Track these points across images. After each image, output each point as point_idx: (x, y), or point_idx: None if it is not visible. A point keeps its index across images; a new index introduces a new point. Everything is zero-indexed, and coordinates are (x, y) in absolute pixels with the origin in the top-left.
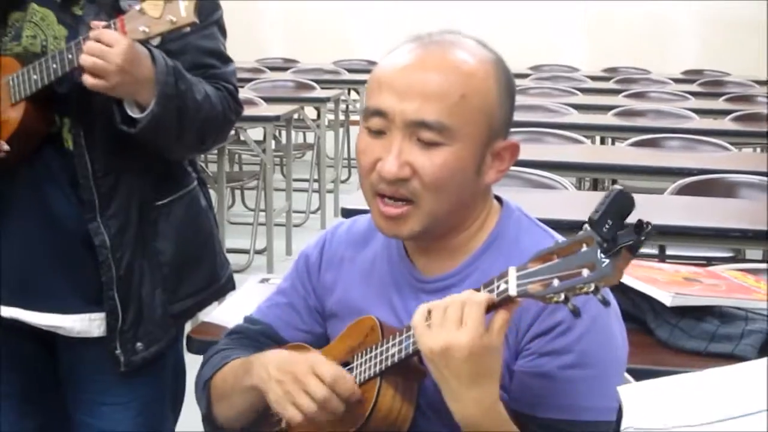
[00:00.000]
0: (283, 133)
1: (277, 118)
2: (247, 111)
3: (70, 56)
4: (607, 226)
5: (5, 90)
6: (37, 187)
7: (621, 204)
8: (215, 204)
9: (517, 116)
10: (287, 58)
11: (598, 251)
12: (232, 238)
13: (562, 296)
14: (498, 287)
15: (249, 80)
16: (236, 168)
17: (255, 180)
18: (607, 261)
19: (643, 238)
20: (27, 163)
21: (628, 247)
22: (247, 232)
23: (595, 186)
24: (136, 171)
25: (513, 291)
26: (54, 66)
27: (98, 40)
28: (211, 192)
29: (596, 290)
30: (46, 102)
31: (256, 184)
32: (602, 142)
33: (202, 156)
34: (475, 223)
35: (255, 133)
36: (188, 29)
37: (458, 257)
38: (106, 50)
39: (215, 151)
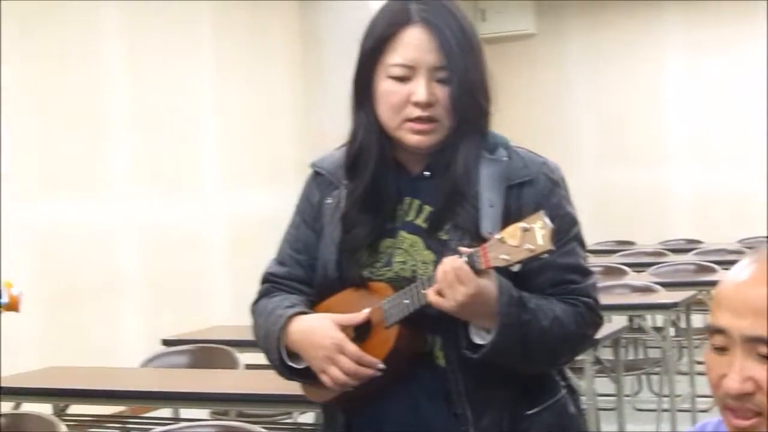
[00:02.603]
0: (682, 316)
1: (674, 305)
2: (645, 298)
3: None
4: None
5: (379, 313)
6: (413, 402)
7: None
8: (615, 391)
9: None
10: (691, 239)
11: None
12: (637, 424)
13: None
14: None
15: (649, 265)
16: (640, 353)
17: (658, 366)
18: None
19: None
20: (402, 381)
21: None
22: (653, 418)
23: None
24: (506, 384)
25: None
26: (423, 291)
27: (456, 274)
28: (607, 381)
29: None
30: (417, 323)
31: (659, 369)
32: None
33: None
34: None
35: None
36: (546, 255)
37: None
38: (456, 286)
39: (608, 342)
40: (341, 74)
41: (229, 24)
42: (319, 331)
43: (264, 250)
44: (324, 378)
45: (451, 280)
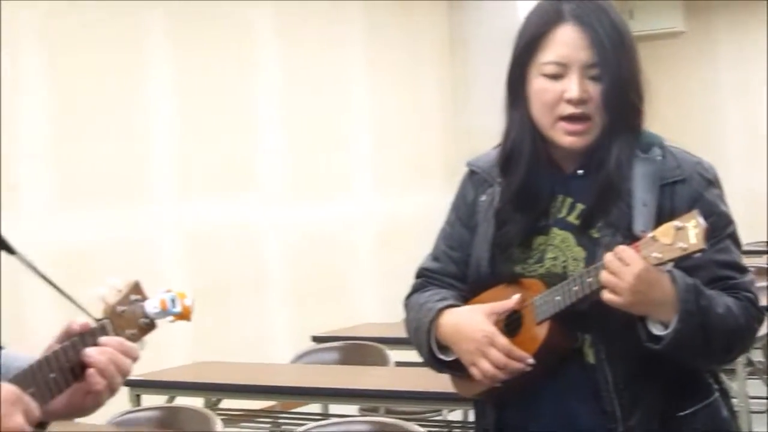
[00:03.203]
0: None
1: None
2: None
3: (589, 280)
4: None
5: (531, 309)
6: (561, 399)
7: None
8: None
9: None
10: None
11: None
12: None
13: None
14: None
15: None
16: None
17: None
18: None
19: None
20: (551, 377)
21: None
22: None
23: None
24: (656, 383)
25: None
26: (575, 288)
27: (619, 258)
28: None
29: None
30: (568, 319)
31: None
32: None
33: None
34: None
35: None
36: (699, 254)
37: None
38: (622, 269)
39: (759, 344)
40: (488, 73)
41: (380, 24)
42: (469, 323)
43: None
44: (474, 371)
45: (617, 264)
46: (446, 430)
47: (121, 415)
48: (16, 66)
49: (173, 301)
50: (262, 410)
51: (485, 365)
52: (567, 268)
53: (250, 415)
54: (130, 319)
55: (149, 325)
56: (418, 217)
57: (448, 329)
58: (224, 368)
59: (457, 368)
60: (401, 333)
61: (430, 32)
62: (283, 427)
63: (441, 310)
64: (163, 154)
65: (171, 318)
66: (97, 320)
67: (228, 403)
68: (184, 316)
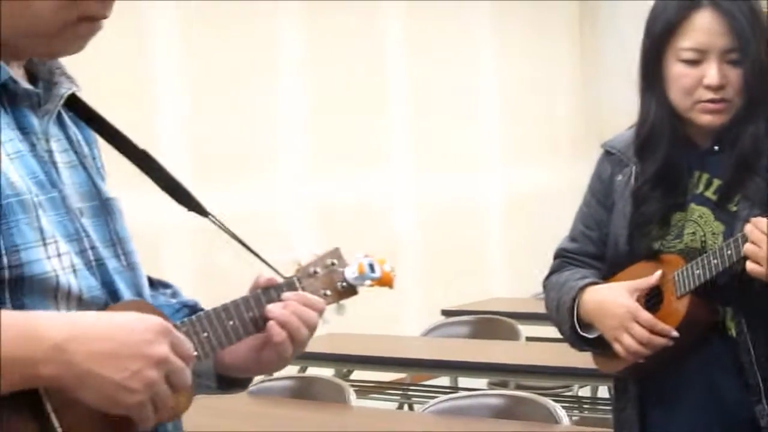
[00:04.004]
0: None
1: None
2: None
3: (729, 252)
4: None
5: (671, 284)
6: (706, 373)
7: None
8: None
9: None
10: None
11: None
12: None
13: None
14: None
15: None
16: None
17: None
18: None
19: None
20: (693, 352)
21: None
22: None
23: None
24: None
25: None
26: (715, 261)
27: (759, 229)
28: None
29: None
30: (709, 293)
31: None
32: None
33: None
34: None
35: None
36: None
37: None
38: (764, 239)
39: None
40: (618, 52)
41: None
42: (612, 299)
43: (539, 223)
44: (617, 347)
45: (758, 235)
46: (576, 405)
47: (255, 384)
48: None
49: (371, 266)
50: (391, 382)
51: (629, 341)
52: (706, 242)
53: (380, 387)
54: (326, 281)
55: (347, 290)
56: (544, 192)
57: (591, 306)
58: (355, 340)
59: (598, 345)
60: (532, 308)
61: (559, 10)
62: (413, 399)
63: (583, 287)
64: (294, 131)
65: (369, 283)
66: (285, 278)
67: (358, 375)
68: (385, 281)
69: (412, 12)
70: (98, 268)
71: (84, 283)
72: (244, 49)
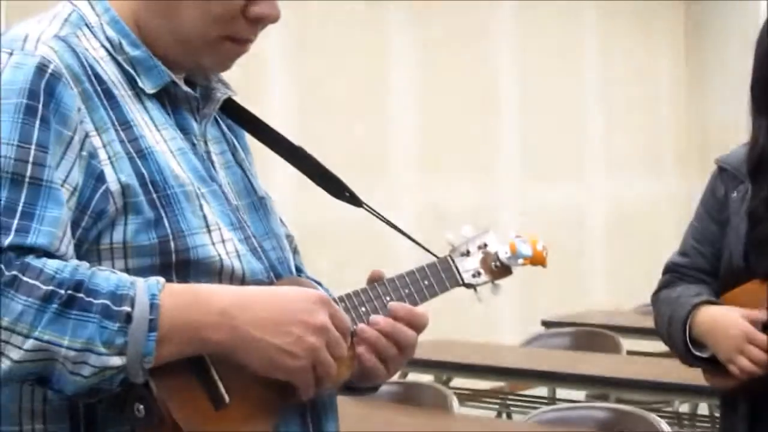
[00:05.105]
0: None
1: None
2: None
3: None
4: None
5: None
6: None
7: None
8: None
9: None
10: None
11: None
12: None
13: None
14: None
15: None
16: None
17: None
18: None
19: None
20: None
21: None
22: None
23: None
24: None
25: None
26: None
27: None
28: None
29: None
30: None
31: None
32: None
33: None
34: None
35: None
36: None
37: None
38: None
39: None
40: (722, 69)
41: (614, 13)
42: (727, 320)
43: (640, 236)
44: (732, 367)
45: None
46: (675, 420)
47: None
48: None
49: (524, 245)
50: (490, 390)
51: (743, 362)
52: None
53: (479, 395)
54: (480, 261)
55: (501, 270)
56: (646, 204)
57: (705, 326)
58: (455, 347)
59: (709, 363)
60: (633, 321)
61: (664, 24)
62: (511, 408)
63: (697, 305)
64: (407, 139)
65: (522, 261)
66: (439, 258)
67: (457, 382)
68: (538, 259)
69: (521, 24)
70: (262, 253)
71: (248, 267)
72: (357, 67)
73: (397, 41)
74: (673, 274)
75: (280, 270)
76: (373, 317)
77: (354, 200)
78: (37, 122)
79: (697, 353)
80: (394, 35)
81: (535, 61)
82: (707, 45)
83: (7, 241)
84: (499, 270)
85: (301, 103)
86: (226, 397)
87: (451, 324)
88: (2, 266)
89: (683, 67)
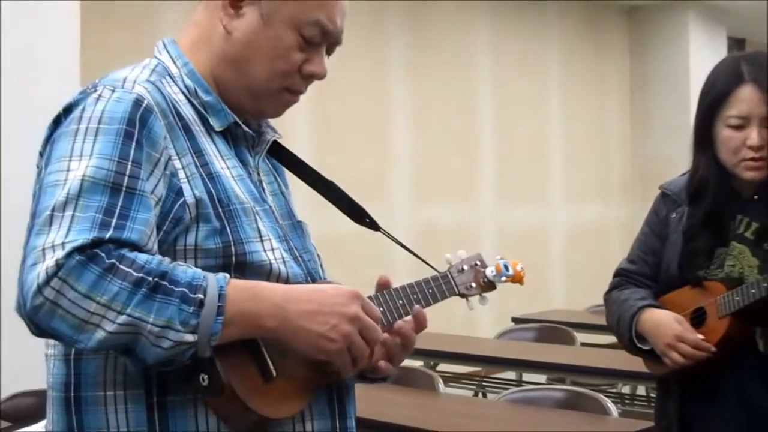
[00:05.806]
0: None
1: None
2: None
3: (765, 284)
4: None
5: (714, 306)
6: (737, 379)
7: None
8: None
9: None
10: None
11: None
12: None
13: None
14: None
15: None
16: None
17: None
18: None
19: None
20: (728, 362)
21: None
22: None
23: None
24: None
25: None
26: (753, 291)
27: None
28: None
29: None
30: (744, 315)
31: None
32: None
33: None
34: None
35: None
36: None
37: None
38: None
39: None
40: (662, 114)
41: (574, 67)
42: (664, 323)
43: (592, 249)
44: (667, 360)
45: None
46: (619, 400)
47: None
48: None
49: (506, 266)
50: (468, 374)
51: (675, 356)
52: (743, 273)
53: (459, 378)
54: (473, 277)
55: (488, 285)
56: (596, 225)
57: (648, 326)
58: (441, 338)
59: (649, 353)
60: (586, 319)
61: (614, 77)
62: (486, 388)
63: (642, 308)
64: (403, 168)
65: (504, 279)
66: (440, 272)
67: (442, 367)
68: (517, 278)
69: (498, 80)
70: (302, 262)
71: (291, 271)
72: (363, 113)
73: (397, 93)
74: (623, 278)
75: (315, 276)
76: (415, 308)
77: (372, 225)
78: (134, 144)
79: (640, 346)
80: (394, 86)
81: (508, 107)
82: (648, 94)
83: (108, 235)
84: (486, 285)
85: (319, 140)
86: (274, 372)
87: (439, 320)
88: (104, 255)
89: (629, 113)
